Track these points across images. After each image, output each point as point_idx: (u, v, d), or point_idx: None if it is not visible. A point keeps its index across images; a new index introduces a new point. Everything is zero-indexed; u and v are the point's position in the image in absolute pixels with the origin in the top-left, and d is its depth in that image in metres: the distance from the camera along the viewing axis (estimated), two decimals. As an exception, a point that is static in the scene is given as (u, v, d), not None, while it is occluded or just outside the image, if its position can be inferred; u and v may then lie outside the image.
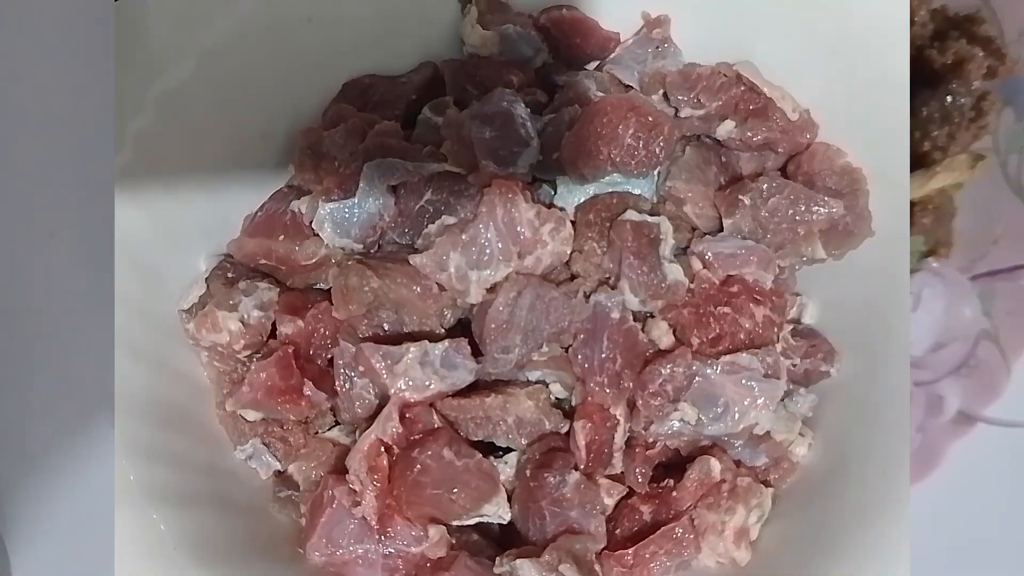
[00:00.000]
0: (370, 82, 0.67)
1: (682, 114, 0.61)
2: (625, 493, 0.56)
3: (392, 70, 0.68)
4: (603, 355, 0.55)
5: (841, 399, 0.57)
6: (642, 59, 0.65)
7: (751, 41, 0.62)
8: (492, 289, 0.56)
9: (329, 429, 0.60)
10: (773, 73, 0.61)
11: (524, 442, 0.56)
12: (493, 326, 0.55)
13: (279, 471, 0.60)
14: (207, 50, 0.59)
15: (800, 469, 0.57)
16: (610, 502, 0.56)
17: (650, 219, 0.56)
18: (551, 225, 0.56)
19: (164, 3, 0.60)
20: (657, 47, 0.65)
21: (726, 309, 0.55)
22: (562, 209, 0.59)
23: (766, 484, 0.56)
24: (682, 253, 0.58)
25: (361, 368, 0.55)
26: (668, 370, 0.54)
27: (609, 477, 0.56)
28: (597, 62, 0.67)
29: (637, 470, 0.55)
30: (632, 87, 0.64)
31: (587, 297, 0.56)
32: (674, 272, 0.55)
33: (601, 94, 0.61)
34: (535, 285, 0.55)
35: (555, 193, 0.61)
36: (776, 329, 0.57)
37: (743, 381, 0.54)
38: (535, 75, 0.66)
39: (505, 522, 0.56)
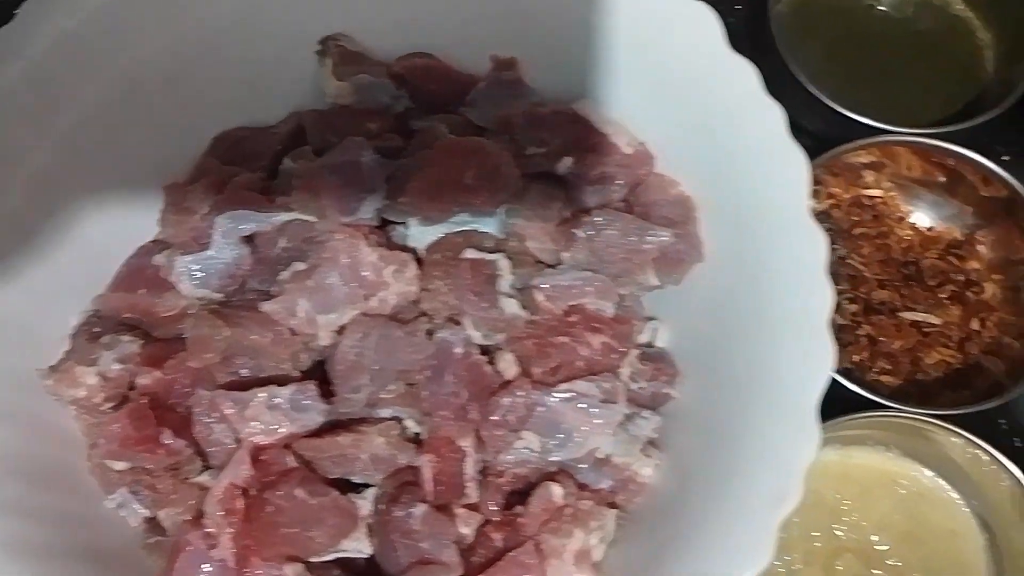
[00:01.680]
0: (240, 135, 0.69)
1: (528, 152, 0.64)
2: (483, 522, 0.58)
3: (268, 123, 0.70)
4: (448, 390, 0.57)
5: (688, 420, 0.59)
6: (497, 101, 0.68)
7: (598, 79, 0.65)
8: (341, 331, 0.58)
9: (200, 474, 0.62)
10: (616, 109, 0.65)
11: (380, 477, 0.58)
12: (341, 368, 0.57)
13: (149, 517, 0.61)
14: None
15: (648, 489, 0.59)
16: (467, 531, 0.57)
17: (488, 256, 0.59)
18: (394, 267, 0.58)
19: (31, 73, 0.62)
20: (510, 89, 0.68)
21: (565, 339, 0.58)
22: (414, 250, 0.62)
23: (613, 506, 0.58)
24: (528, 287, 0.60)
25: (216, 415, 0.57)
26: (508, 400, 0.56)
27: (467, 507, 0.58)
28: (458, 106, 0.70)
29: (488, 499, 0.57)
30: (486, 129, 0.67)
31: (431, 334, 0.58)
32: (511, 306, 0.58)
33: (453, 137, 0.63)
34: (381, 326, 0.58)
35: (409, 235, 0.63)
36: (617, 355, 0.59)
37: (582, 407, 0.56)
38: (396, 121, 0.68)
39: (366, 556, 0.58)
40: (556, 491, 0.56)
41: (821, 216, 0.74)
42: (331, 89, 0.67)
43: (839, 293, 0.72)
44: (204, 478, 0.61)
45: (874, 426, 0.66)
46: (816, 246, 0.53)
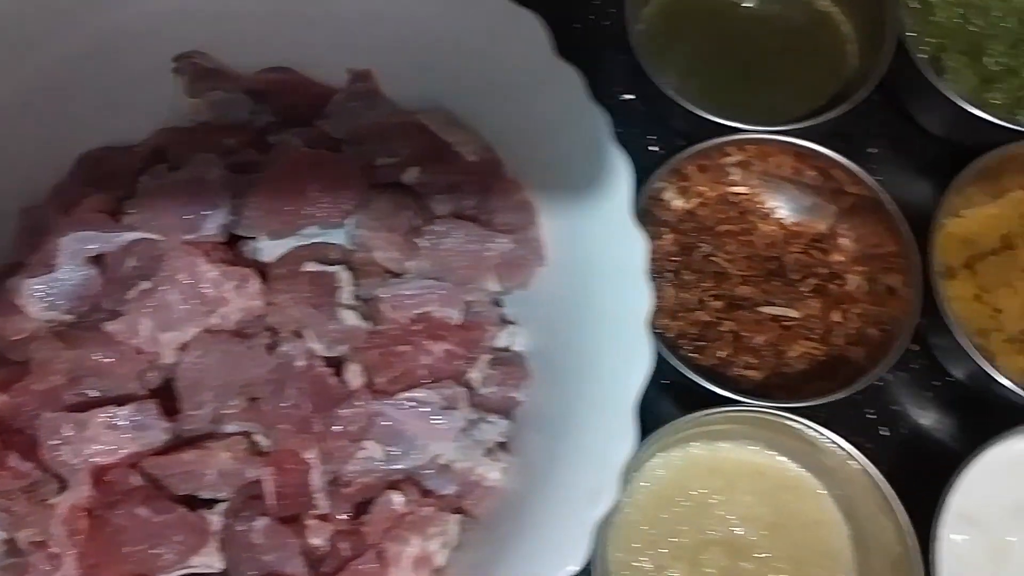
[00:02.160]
0: (102, 154, 0.70)
1: (377, 164, 0.65)
2: (334, 532, 0.58)
3: (135, 141, 0.71)
4: (289, 403, 0.57)
5: (533, 422, 0.60)
6: (353, 112, 0.68)
7: (442, 88, 0.66)
8: (185, 348, 0.59)
9: (57, 495, 0.62)
10: (467, 116, 0.65)
11: (230, 492, 0.58)
12: (184, 385, 0.58)
13: (7, 539, 0.61)
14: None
15: (497, 493, 0.59)
16: (319, 541, 0.58)
17: (329, 268, 0.59)
18: (235, 283, 0.58)
19: None
20: (366, 100, 0.69)
21: (407, 347, 0.58)
22: (264, 264, 0.62)
23: (459, 511, 0.58)
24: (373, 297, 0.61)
25: (59, 437, 0.57)
26: (348, 412, 0.57)
27: (319, 517, 0.59)
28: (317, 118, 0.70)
29: (337, 509, 0.58)
30: (341, 140, 0.67)
31: (273, 348, 0.59)
32: (351, 317, 0.58)
33: (297, 150, 0.64)
34: (222, 342, 0.58)
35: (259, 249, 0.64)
36: (463, 361, 0.60)
37: (423, 415, 0.57)
38: (256, 135, 0.69)
39: (218, 571, 0.58)
40: (396, 499, 0.56)
41: (687, 215, 0.75)
42: (187, 106, 0.68)
43: (704, 291, 0.73)
44: (60, 499, 0.62)
45: (737, 420, 0.67)
46: (637, 249, 0.54)
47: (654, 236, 0.75)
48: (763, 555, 0.67)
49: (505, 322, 0.66)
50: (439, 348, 0.58)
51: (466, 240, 0.60)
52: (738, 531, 0.68)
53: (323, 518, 0.58)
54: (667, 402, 0.70)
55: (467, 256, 0.60)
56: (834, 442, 0.64)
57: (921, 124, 0.79)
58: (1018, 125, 0.74)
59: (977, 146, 0.72)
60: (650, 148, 0.80)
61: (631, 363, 0.52)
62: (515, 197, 0.62)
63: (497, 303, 0.67)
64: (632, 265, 0.53)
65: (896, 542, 0.62)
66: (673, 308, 0.73)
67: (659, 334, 0.71)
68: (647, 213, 0.74)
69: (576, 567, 0.49)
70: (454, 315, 0.60)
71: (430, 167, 0.63)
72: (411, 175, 0.63)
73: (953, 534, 0.64)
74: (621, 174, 0.55)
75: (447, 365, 0.59)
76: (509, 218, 0.61)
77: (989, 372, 0.65)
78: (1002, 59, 0.78)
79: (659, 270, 0.74)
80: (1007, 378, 0.68)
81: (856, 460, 0.64)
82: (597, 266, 0.55)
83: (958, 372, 0.70)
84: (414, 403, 0.57)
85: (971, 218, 0.75)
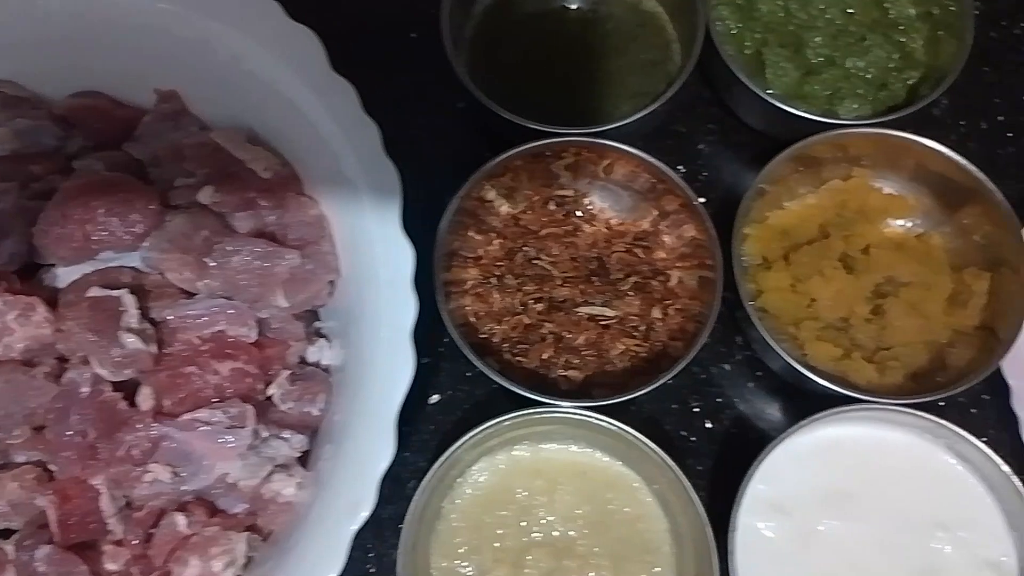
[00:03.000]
0: (-84, 188, 0.69)
1: (177, 184, 0.65)
2: (129, 556, 0.58)
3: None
4: (73, 430, 0.57)
5: (326, 435, 0.60)
6: (160, 134, 0.68)
7: (245, 104, 0.66)
8: (-30, 380, 0.58)
9: None
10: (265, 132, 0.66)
11: (23, 521, 0.58)
12: (-33, 416, 0.58)
13: None
14: None
15: (293, 509, 0.60)
16: (114, 567, 0.58)
17: (113, 293, 0.59)
18: (16, 312, 0.58)
19: None
20: (173, 121, 0.69)
21: (193, 368, 0.58)
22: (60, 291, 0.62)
23: (252, 528, 0.59)
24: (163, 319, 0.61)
25: None
26: (131, 436, 0.57)
27: (115, 543, 0.59)
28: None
29: (130, 534, 0.58)
30: (143, 162, 0.67)
31: (58, 376, 0.59)
32: (133, 342, 0.58)
33: (86, 176, 0.64)
34: (6, 372, 0.58)
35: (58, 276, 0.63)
36: (254, 379, 0.60)
37: (208, 435, 0.57)
38: (65, 161, 0.69)
39: (15, 601, 0.58)
40: (180, 521, 0.56)
41: (512, 219, 0.76)
42: (-7, 136, 0.68)
43: (527, 294, 0.73)
44: None
45: (552, 422, 0.68)
46: (404, 260, 0.54)
47: (483, 242, 0.76)
48: (585, 553, 0.68)
49: (318, 336, 0.66)
50: (226, 367, 0.58)
51: (254, 257, 0.60)
52: (561, 531, 0.68)
53: (118, 543, 0.59)
54: (504, 404, 0.71)
55: (255, 274, 0.60)
56: (637, 438, 0.65)
57: (743, 120, 0.80)
58: (826, 117, 0.76)
59: (796, 139, 0.73)
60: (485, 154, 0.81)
61: (395, 375, 0.52)
62: (309, 212, 0.62)
63: (316, 316, 0.67)
64: (400, 276, 0.54)
65: (702, 533, 0.63)
66: (499, 312, 0.73)
67: (485, 338, 0.73)
68: (476, 218, 0.74)
69: (332, 576, 0.49)
70: (247, 333, 0.60)
71: (225, 186, 0.63)
72: (206, 195, 0.63)
73: (761, 522, 0.65)
74: (392, 186, 0.56)
75: (237, 384, 0.59)
76: (302, 232, 0.62)
77: (793, 364, 0.66)
78: (822, 50, 0.79)
79: (486, 275, 0.75)
80: (817, 367, 0.69)
81: (656, 454, 0.64)
82: (371, 278, 0.56)
83: (772, 364, 0.71)
84: (199, 423, 0.57)
85: (791, 210, 0.77)
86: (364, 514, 0.50)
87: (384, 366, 0.53)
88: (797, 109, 0.75)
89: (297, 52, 0.59)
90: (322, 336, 0.66)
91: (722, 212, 0.72)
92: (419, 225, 0.61)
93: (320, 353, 0.65)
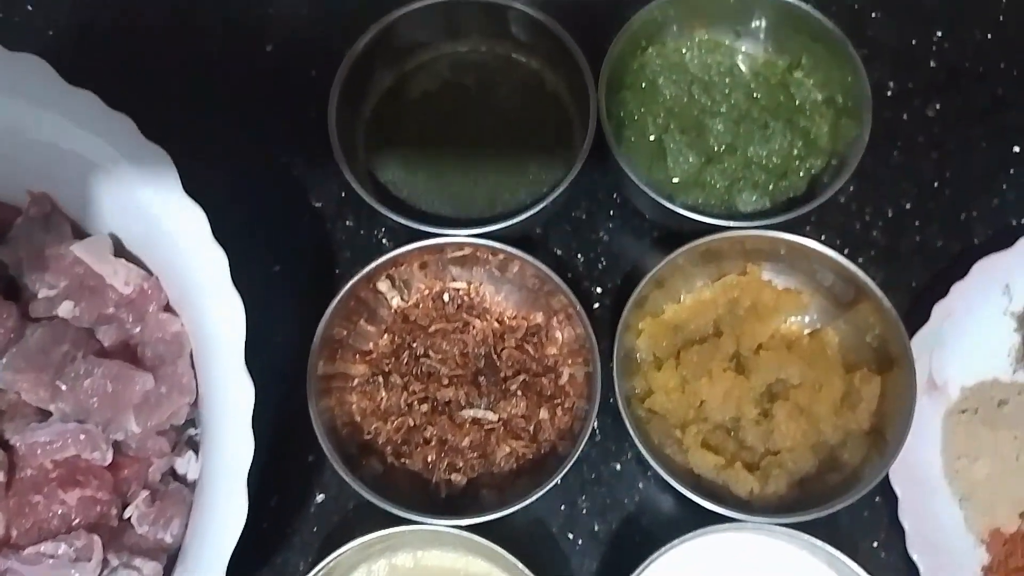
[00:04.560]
0: None
1: (40, 296, 0.63)
2: None
3: None
4: (-84, 563, 0.56)
5: (186, 562, 0.59)
6: (30, 238, 0.67)
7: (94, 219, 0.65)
8: None
9: None
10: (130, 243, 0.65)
11: None
12: None
13: None
14: None
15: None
16: None
17: (-40, 420, 0.58)
18: None
19: None
20: (44, 224, 0.67)
21: (39, 497, 0.57)
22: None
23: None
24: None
25: None
26: (-31, 571, 0.56)
27: None
28: None
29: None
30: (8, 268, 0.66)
31: (-99, 506, 0.57)
32: (-27, 472, 0.57)
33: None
34: None
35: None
36: (105, 505, 0.58)
37: (54, 568, 0.56)
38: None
39: None
40: (18, 659, 0.55)
41: (401, 314, 0.75)
42: None
43: (412, 393, 0.72)
44: None
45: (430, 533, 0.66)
46: (244, 399, 0.53)
47: (374, 334, 0.75)
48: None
49: (189, 445, 0.65)
50: (73, 496, 0.57)
51: (106, 379, 0.59)
52: (438, 639, 0.67)
53: None
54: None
55: (106, 396, 0.59)
56: (505, 557, 0.63)
57: (639, 209, 0.79)
58: (723, 210, 0.75)
59: (691, 230, 0.72)
60: (384, 241, 0.80)
61: (227, 520, 0.51)
62: (168, 329, 0.61)
63: (192, 423, 0.66)
64: (239, 414, 0.52)
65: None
66: (384, 411, 0.72)
67: (370, 439, 0.72)
68: (369, 308, 0.73)
69: None
70: (100, 457, 0.59)
71: (84, 300, 0.62)
72: (66, 309, 0.62)
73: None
74: (235, 319, 0.54)
75: (86, 512, 0.58)
76: (160, 350, 0.60)
77: (667, 479, 0.65)
78: (724, 137, 0.77)
79: (375, 372, 0.73)
80: (701, 474, 0.68)
81: (516, 565, 0.63)
82: (211, 412, 0.55)
83: (651, 470, 0.70)
84: (41, 557, 0.56)
85: (685, 305, 0.75)
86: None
87: (215, 510, 0.52)
88: (688, 204, 0.74)
89: (152, 171, 0.58)
90: (194, 444, 0.64)
91: (621, 301, 0.71)
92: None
93: (187, 466, 0.64)
